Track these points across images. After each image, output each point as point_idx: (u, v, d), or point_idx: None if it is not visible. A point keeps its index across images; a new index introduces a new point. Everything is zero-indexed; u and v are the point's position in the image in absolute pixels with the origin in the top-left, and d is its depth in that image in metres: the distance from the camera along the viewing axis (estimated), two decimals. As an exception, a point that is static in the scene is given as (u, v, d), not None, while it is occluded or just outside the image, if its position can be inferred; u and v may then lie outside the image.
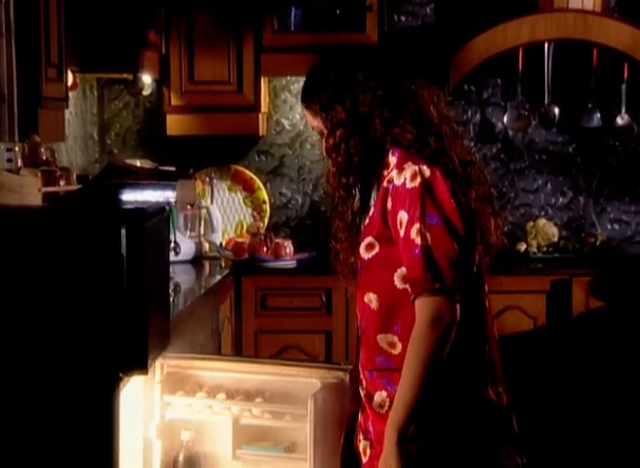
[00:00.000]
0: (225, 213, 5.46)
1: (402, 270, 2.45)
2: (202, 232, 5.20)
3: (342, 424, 2.70)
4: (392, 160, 2.52)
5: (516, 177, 5.49)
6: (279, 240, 5.22)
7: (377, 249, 2.49)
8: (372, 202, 2.56)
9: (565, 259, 5.22)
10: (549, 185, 5.48)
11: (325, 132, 2.59)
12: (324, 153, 2.64)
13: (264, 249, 5.15)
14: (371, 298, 2.52)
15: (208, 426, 3.02)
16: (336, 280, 4.89)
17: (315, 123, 2.62)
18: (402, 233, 2.42)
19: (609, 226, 5.44)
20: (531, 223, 5.33)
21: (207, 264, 5.06)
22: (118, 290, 2.31)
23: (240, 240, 5.28)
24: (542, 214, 5.44)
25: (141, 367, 2.35)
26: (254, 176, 5.48)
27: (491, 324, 2.60)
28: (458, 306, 2.38)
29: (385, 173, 2.53)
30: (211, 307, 4.36)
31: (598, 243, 5.31)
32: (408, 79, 2.60)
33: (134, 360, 2.33)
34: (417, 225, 2.39)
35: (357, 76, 2.56)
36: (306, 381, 2.83)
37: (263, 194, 5.47)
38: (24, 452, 2.32)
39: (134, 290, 2.32)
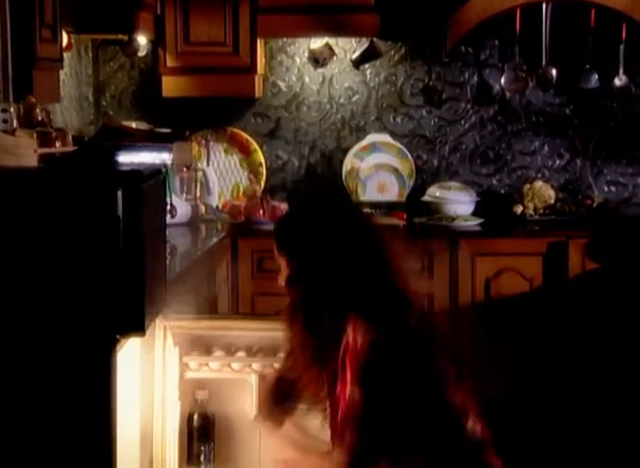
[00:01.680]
0: (222, 175, 5.44)
1: None
2: (198, 195, 5.18)
3: None
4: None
5: (513, 140, 5.48)
6: (275, 202, 5.21)
7: None
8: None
9: (561, 222, 5.22)
10: (546, 147, 5.47)
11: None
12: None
13: (261, 211, 5.15)
14: None
15: (225, 384, 3.04)
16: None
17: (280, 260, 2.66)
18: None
19: (606, 188, 5.44)
20: (527, 186, 5.32)
21: (203, 227, 5.05)
22: (114, 251, 2.30)
23: (236, 202, 5.28)
24: (539, 176, 5.44)
25: (138, 328, 2.35)
26: (250, 139, 5.46)
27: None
28: None
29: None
30: (207, 270, 4.36)
31: (595, 205, 5.31)
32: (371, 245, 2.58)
33: (130, 321, 2.33)
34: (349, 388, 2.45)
35: (323, 247, 2.57)
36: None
37: (260, 157, 5.46)
38: (20, 416, 2.32)
39: (130, 251, 2.31)
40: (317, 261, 2.56)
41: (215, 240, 4.75)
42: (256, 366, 2.99)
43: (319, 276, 2.55)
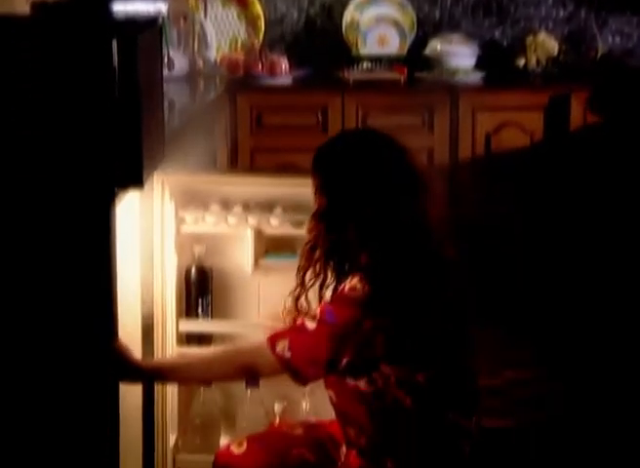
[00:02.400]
0: (219, 28, 5.35)
1: None
2: (196, 48, 5.11)
3: None
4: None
5: (517, -10, 5.37)
6: (274, 56, 5.14)
7: None
8: None
9: (564, 74, 5.15)
10: (551, -3, 5.37)
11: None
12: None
13: (260, 65, 5.08)
14: None
15: (222, 239, 3.05)
16: (332, 96, 4.91)
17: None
18: None
19: (610, 39, 5.35)
20: (530, 37, 5.23)
21: (201, 81, 4.99)
22: (110, 104, 2.27)
23: (235, 57, 5.20)
24: (543, 27, 5.34)
25: (136, 181, 2.33)
26: (248, -10, 5.36)
27: None
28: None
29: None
30: (206, 125, 4.33)
31: (599, 56, 5.23)
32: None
33: (128, 174, 2.31)
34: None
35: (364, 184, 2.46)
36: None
37: (258, 9, 5.35)
38: (21, 267, 2.33)
39: (126, 103, 2.28)
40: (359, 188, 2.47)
41: (213, 95, 4.70)
42: (252, 221, 3.00)
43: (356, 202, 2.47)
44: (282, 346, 2.43)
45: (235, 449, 2.58)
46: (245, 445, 2.58)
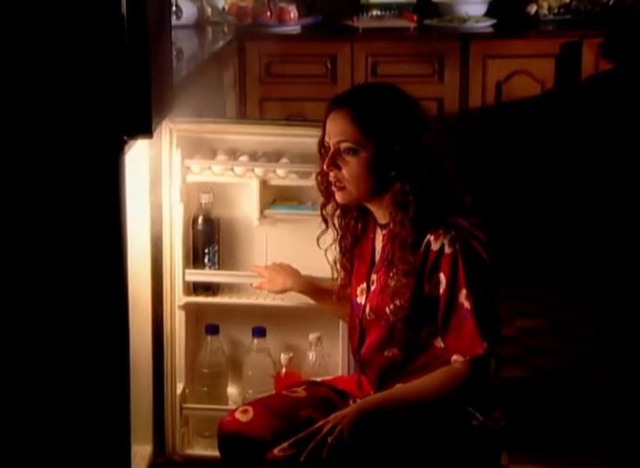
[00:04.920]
0: (227, -25, 5.30)
1: None
2: (204, -4, 5.07)
3: None
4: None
5: None
6: (283, 4, 5.10)
7: None
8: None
9: (576, 21, 5.09)
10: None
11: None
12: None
13: (268, 13, 5.04)
14: None
15: (228, 189, 3.05)
16: (341, 45, 4.87)
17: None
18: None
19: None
20: (542, -16, 5.18)
21: (210, 29, 4.96)
22: (119, 52, 2.26)
23: (243, 4, 5.15)
24: (554, -27, 5.28)
25: (145, 129, 2.32)
26: None
27: None
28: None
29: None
30: (215, 74, 4.30)
31: (611, 2, 5.16)
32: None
33: (137, 122, 2.30)
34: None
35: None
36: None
37: (266, -44, 5.30)
38: (33, 221, 2.33)
39: (135, 52, 2.28)
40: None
41: (221, 43, 4.66)
42: (258, 171, 2.98)
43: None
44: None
45: (241, 417, 2.52)
46: (251, 411, 2.53)
